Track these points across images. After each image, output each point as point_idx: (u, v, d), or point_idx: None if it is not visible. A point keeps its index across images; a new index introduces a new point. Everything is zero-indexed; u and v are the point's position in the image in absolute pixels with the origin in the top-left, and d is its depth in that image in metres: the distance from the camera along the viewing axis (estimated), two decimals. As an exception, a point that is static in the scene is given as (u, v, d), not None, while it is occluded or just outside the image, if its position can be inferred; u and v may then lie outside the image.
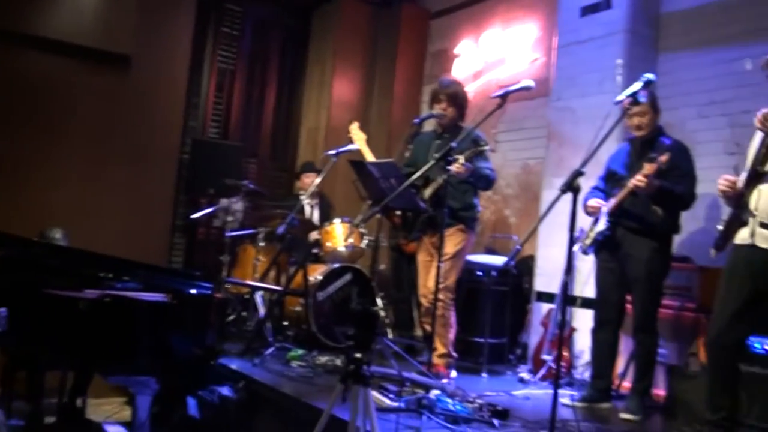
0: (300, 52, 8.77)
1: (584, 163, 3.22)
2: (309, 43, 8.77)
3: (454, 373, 4.79)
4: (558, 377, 3.19)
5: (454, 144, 4.19)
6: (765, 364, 3.97)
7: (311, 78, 8.72)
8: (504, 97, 3.98)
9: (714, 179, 4.77)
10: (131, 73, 6.59)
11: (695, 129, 5.35)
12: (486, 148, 4.41)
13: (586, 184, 4.04)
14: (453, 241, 4.70)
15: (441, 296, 4.52)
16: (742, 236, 3.28)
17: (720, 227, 3.40)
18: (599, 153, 3.64)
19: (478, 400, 3.87)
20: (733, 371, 3.39)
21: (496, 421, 3.61)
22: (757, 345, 4.05)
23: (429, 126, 5.56)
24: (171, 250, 7.16)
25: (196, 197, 7.19)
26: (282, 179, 8.48)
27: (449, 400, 3.71)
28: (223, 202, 6.37)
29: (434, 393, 3.80)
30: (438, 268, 4.20)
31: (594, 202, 4.47)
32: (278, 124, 8.63)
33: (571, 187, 3.09)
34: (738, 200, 3.25)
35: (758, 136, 3.29)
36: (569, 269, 3.18)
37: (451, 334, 4.83)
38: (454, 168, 4.24)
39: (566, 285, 3.14)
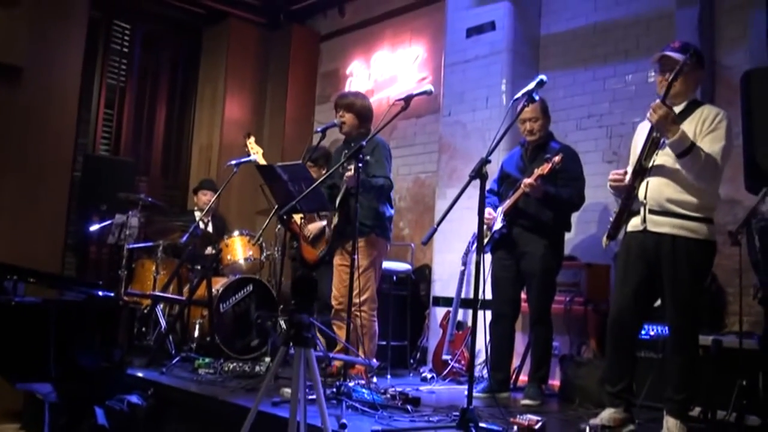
0: (190, 70, 8.79)
1: (489, 152, 3.50)
2: (200, 61, 8.80)
3: (374, 379, 4.87)
4: (473, 351, 3.40)
5: (363, 143, 4.31)
6: (651, 348, 4.37)
7: (202, 96, 8.74)
8: (407, 100, 4.17)
9: (595, 186, 5.23)
10: (22, 85, 6.39)
11: (576, 140, 5.76)
12: (367, 158, 4.46)
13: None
14: (365, 252, 4.78)
15: (364, 308, 4.67)
16: (634, 224, 3.59)
17: (611, 219, 3.71)
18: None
19: (390, 390, 4.03)
20: (631, 348, 3.68)
21: (409, 407, 3.77)
22: (643, 331, 4.44)
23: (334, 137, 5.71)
24: (62, 270, 6.93)
25: (89, 214, 7.01)
26: (175, 197, 8.40)
27: (364, 390, 3.85)
28: (119, 217, 6.27)
29: (351, 383, 3.92)
30: (351, 275, 4.22)
31: (486, 213, 4.68)
32: (170, 142, 8.59)
33: (479, 173, 3.35)
34: (629, 192, 3.58)
35: (643, 133, 3.63)
36: (481, 248, 3.40)
37: (374, 344, 4.93)
38: (346, 176, 4.41)
39: (478, 264, 3.33)
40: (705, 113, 3.49)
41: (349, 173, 4.43)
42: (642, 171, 3.53)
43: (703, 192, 3.45)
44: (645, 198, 3.52)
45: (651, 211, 3.50)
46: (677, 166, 3.43)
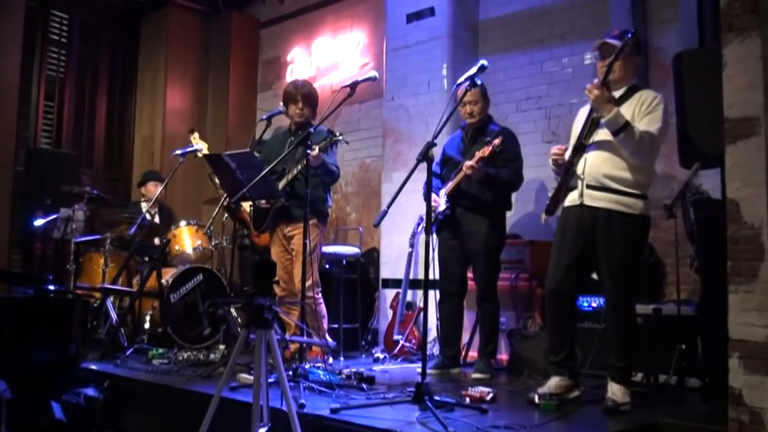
0: (130, 60, 8.69)
1: (435, 136, 3.63)
2: (139, 50, 8.70)
3: (330, 360, 4.95)
4: (425, 329, 3.54)
5: (311, 129, 4.41)
6: (593, 319, 4.59)
7: (143, 86, 8.65)
8: (353, 86, 4.26)
9: (535, 165, 5.42)
10: (-41, 78, 6.28)
11: (516, 122, 5.94)
12: (340, 138, 4.63)
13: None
14: (309, 236, 4.83)
15: (310, 293, 4.69)
16: (571, 198, 3.74)
17: (550, 194, 3.87)
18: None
19: (345, 371, 4.14)
20: (570, 317, 3.84)
21: (364, 385, 3.89)
22: (585, 304, 4.65)
23: (277, 125, 5.75)
24: (8, 267, 6.82)
25: (33, 209, 6.91)
26: (118, 189, 8.32)
27: (320, 372, 3.95)
28: (64, 210, 6.21)
29: (307, 365, 4.02)
30: (303, 259, 4.35)
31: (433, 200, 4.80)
32: (111, 133, 8.50)
33: (425, 156, 3.48)
34: (567, 168, 3.73)
35: (583, 113, 3.80)
36: (429, 229, 3.52)
37: (325, 324, 5.01)
38: (311, 155, 4.46)
39: (427, 245, 3.46)
40: (643, 97, 3.66)
41: (314, 152, 4.47)
42: (581, 148, 3.68)
43: (638, 169, 3.62)
44: (583, 173, 3.67)
45: (588, 186, 3.65)
46: (615, 143, 3.59)
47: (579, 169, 3.68)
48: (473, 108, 4.79)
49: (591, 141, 3.65)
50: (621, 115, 3.50)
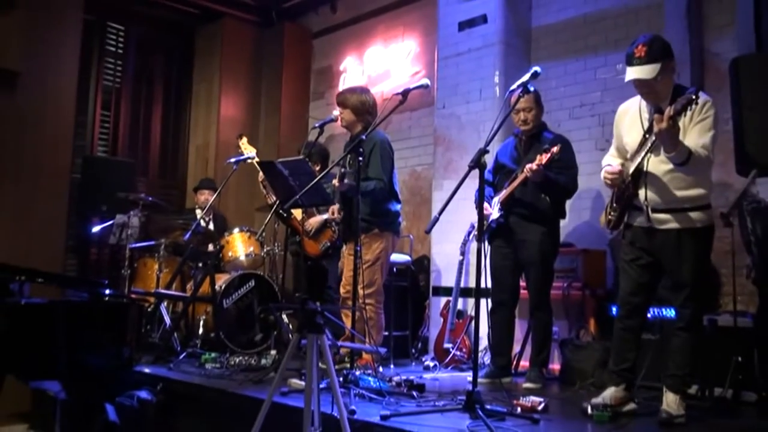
0: (185, 71, 8.87)
1: (487, 143, 3.60)
2: (194, 61, 8.88)
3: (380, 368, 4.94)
4: (476, 337, 3.51)
5: (363, 137, 4.38)
6: (649, 330, 4.44)
7: (198, 96, 8.82)
8: (405, 94, 4.26)
9: (588, 173, 5.33)
10: (18, 90, 6.45)
11: (569, 129, 5.86)
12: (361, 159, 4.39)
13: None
14: (369, 247, 4.85)
15: (370, 301, 4.73)
16: (639, 220, 3.66)
17: (612, 210, 3.79)
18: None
19: (395, 378, 4.12)
20: (639, 330, 3.77)
21: (415, 393, 3.87)
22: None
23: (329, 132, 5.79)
24: (64, 272, 7.00)
25: (89, 216, 7.07)
26: (172, 196, 8.47)
27: (371, 378, 3.94)
28: (120, 217, 6.34)
29: (358, 371, 4.02)
30: (354, 269, 4.33)
31: (485, 208, 4.75)
32: (166, 142, 8.68)
33: (478, 163, 3.45)
34: (630, 196, 3.65)
35: (627, 117, 3.75)
36: (480, 237, 3.50)
37: (380, 335, 5.00)
38: (333, 183, 4.49)
39: (479, 253, 3.43)
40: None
41: (335, 181, 4.51)
42: (638, 174, 3.60)
43: (698, 182, 3.54)
44: (646, 199, 3.60)
45: (654, 210, 3.60)
46: (672, 166, 3.51)
47: (641, 196, 3.61)
48: (527, 115, 4.74)
49: (647, 167, 3.57)
50: (685, 149, 3.39)
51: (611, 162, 3.83)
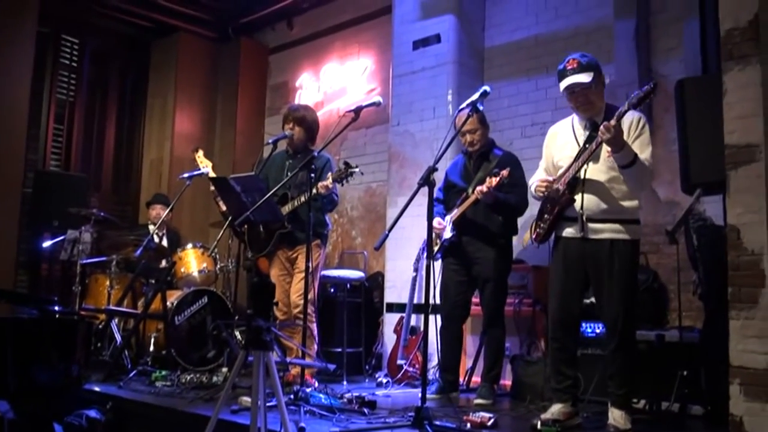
0: (140, 85, 8.81)
1: (436, 161, 3.66)
2: (149, 75, 8.82)
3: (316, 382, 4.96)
4: (425, 354, 3.53)
5: (314, 154, 4.45)
6: (596, 345, 4.55)
7: (152, 110, 8.75)
8: (357, 111, 4.31)
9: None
10: (-31, 103, 6.37)
11: (521, 147, 5.94)
12: (356, 169, 4.59)
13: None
14: (312, 258, 4.88)
15: (310, 311, 4.73)
16: (570, 231, 3.72)
17: (540, 223, 3.86)
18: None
19: (347, 395, 4.13)
20: (574, 346, 3.84)
21: (366, 410, 3.89)
22: (588, 330, 4.63)
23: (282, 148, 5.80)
24: (15, 288, 6.86)
25: (40, 231, 6.96)
26: (126, 212, 8.39)
27: (321, 395, 3.95)
28: (71, 232, 6.25)
29: (308, 389, 4.02)
30: (306, 280, 4.41)
31: (436, 223, 4.79)
32: (120, 156, 8.60)
33: (427, 181, 3.50)
34: (564, 203, 3.72)
35: (558, 138, 3.89)
36: (430, 254, 3.54)
37: (315, 346, 5.02)
38: (322, 185, 4.54)
39: (428, 269, 3.47)
40: (629, 119, 3.63)
41: (327, 182, 4.55)
42: (575, 182, 3.69)
43: (635, 195, 3.66)
44: (582, 208, 3.67)
45: (589, 219, 3.66)
46: (612, 175, 3.60)
47: (577, 205, 3.68)
48: (473, 137, 4.80)
49: (584, 174, 3.65)
50: (631, 151, 3.50)
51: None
